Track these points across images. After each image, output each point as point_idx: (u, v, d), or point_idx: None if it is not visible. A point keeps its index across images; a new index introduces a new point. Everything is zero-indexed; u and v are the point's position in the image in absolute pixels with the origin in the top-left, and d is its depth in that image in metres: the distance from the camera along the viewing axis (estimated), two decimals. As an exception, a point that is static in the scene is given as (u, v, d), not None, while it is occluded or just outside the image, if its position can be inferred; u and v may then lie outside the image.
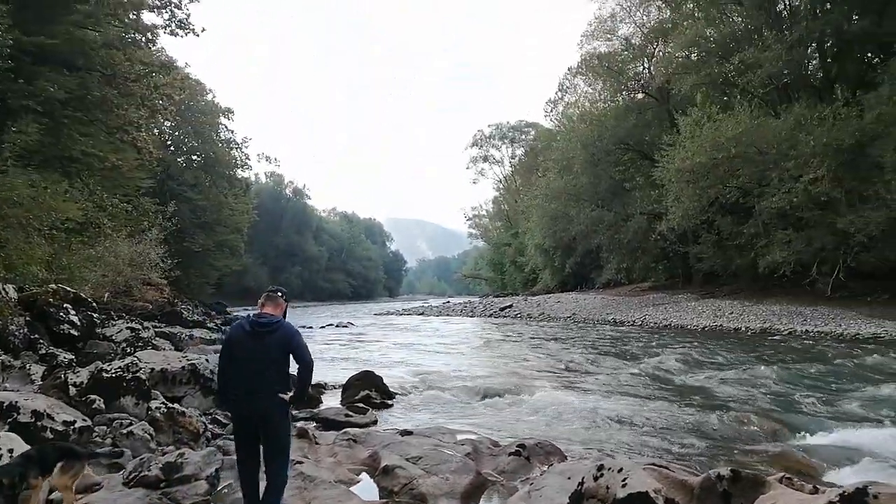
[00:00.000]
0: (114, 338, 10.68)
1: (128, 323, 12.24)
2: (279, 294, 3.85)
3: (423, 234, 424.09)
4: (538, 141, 58.40)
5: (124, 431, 5.33)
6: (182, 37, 22.38)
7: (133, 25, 22.08)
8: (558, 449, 5.63)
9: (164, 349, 10.35)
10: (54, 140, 17.26)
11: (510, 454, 5.40)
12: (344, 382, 9.48)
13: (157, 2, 21.51)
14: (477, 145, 68.83)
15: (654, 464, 4.03)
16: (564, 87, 48.16)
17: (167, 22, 21.99)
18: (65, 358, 8.34)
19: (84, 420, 5.23)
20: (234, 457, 3.94)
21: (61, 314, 9.80)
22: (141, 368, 6.57)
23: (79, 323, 9.95)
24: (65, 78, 17.86)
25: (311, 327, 25.59)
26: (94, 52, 18.84)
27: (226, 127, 47.85)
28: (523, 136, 67.15)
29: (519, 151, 67.80)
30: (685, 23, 30.02)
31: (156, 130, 33.35)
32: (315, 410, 7.91)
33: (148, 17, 23.19)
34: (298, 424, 6.24)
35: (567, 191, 37.53)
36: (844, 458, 5.58)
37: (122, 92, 19.74)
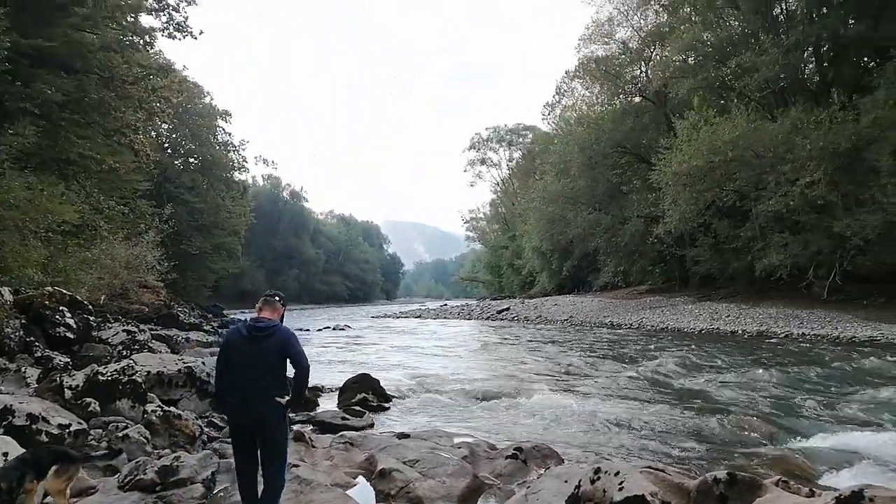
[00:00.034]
0: (110, 340, 10.67)
1: (124, 326, 12.25)
2: (277, 298, 3.88)
3: (421, 236, 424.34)
4: (535, 144, 58.56)
5: (120, 435, 5.31)
6: (180, 39, 22.49)
7: (131, 28, 22.15)
8: (555, 452, 5.61)
9: (160, 352, 10.31)
10: (51, 142, 17.28)
11: (507, 457, 5.38)
12: (341, 385, 9.45)
13: (154, 5, 21.56)
14: (474, 148, 68.98)
15: (650, 467, 4.02)
16: (562, 91, 48.34)
17: (165, 25, 22.11)
18: (60, 361, 8.32)
19: (80, 423, 5.21)
20: (231, 460, 3.93)
21: (57, 317, 9.77)
22: (137, 371, 6.56)
23: (75, 326, 9.93)
24: (62, 80, 17.89)
25: (308, 330, 25.57)
26: (92, 54, 18.87)
27: (223, 129, 47.92)
28: (521, 140, 67.26)
29: (516, 154, 67.98)
30: (682, 27, 30.17)
31: (153, 133, 33.32)
32: (312, 413, 7.89)
33: (146, 20, 23.29)
34: (295, 427, 6.23)
35: (564, 194, 37.67)
36: (842, 462, 5.58)
37: (120, 94, 19.76)
